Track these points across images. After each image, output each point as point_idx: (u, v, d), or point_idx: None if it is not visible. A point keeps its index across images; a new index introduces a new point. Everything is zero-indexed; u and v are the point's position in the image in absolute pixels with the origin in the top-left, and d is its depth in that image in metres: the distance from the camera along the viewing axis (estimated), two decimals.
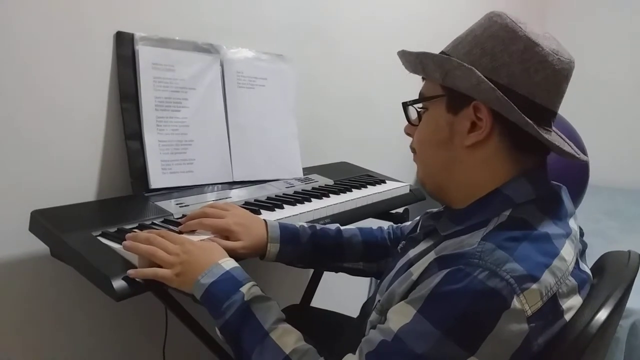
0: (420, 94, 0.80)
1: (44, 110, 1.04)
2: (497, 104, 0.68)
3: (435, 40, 0.80)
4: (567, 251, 0.67)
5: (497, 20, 0.72)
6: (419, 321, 0.63)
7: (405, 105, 0.81)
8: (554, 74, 0.71)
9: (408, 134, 0.84)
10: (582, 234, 0.79)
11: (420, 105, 0.80)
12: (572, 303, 0.66)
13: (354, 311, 1.01)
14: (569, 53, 0.73)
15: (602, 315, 0.63)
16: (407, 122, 0.83)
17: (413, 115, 0.81)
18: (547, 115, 0.73)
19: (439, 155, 0.77)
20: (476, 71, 0.68)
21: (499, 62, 0.70)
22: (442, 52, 0.76)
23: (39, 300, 1.09)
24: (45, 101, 1.04)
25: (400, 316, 0.65)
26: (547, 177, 0.76)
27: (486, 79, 0.67)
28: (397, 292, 0.71)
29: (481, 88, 0.68)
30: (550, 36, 0.72)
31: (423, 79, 0.80)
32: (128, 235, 0.87)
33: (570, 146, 0.79)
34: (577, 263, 0.70)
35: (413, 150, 0.83)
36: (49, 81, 1.04)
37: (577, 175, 1.80)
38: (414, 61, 0.77)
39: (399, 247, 0.94)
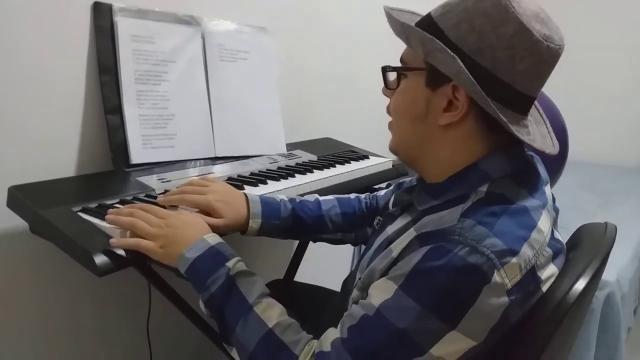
0: (402, 59, 0.78)
1: (21, 84, 1.01)
2: (475, 95, 0.67)
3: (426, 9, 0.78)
4: (544, 222, 0.69)
5: None
6: (400, 297, 0.63)
7: (385, 71, 0.79)
8: (539, 63, 0.69)
9: (385, 95, 0.82)
10: (554, 199, 0.80)
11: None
12: (549, 273, 0.68)
13: (337, 284, 1.02)
14: (561, 35, 0.69)
15: (580, 285, 0.65)
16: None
17: (392, 77, 0.79)
18: (525, 101, 0.72)
19: (414, 129, 0.76)
20: (458, 60, 0.66)
21: (485, 43, 0.67)
22: (429, 16, 0.73)
23: (19, 276, 1.08)
24: (22, 75, 1.01)
25: (381, 292, 0.66)
26: (523, 151, 0.76)
27: (467, 70, 0.65)
28: (378, 268, 0.72)
29: (461, 77, 0.67)
30: (544, 16, 0.69)
31: None
32: (110, 210, 0.86)
33: (549, 130, 0.79)
34: (552, 233, 0.72)
35: (389, 113, 0.82)
36: (25, 54, 1.01)
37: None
38: (398, 29, 0.75)
39: (375, 223, 0.94)
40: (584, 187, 2.62)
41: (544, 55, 0.68)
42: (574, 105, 2.58)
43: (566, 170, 2.02)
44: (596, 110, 3.22)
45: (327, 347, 0.68)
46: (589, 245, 0.75)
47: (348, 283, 0.88)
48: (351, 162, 1.46)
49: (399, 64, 0.78)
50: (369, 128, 2.07)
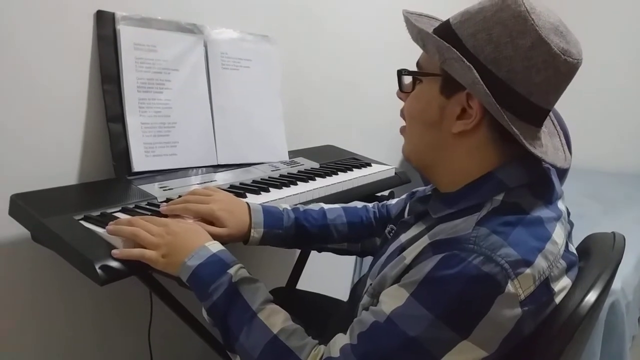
0: (418, 64, 0.77)
1: (23, 92, 1.01)
2: (488, 106, 0.67)
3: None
4: (558, 234, 0.68)
5: (510, 4, 0.67)
6: (412, 305, 0.63)
7: (400, 74, 0.78)
8: (556, 76, 0.68)
9: (400, 98, 0.81)
10: (568, 213, 0.79)
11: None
12: (563, 285, 0.67)
13: (339, 293, 1.01)
14: (579, 49, 0.68)
15: (592, 297, 0.64)
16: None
17: (407, 80, 0.78)
18: (540, 113, 0.71)
19: (427, 136, 0.76)
20: (473, 71, 0.65)
21: (502, 54, 0.66)
22: (448, 23, 0.73)
23: (20, 284, 1.07)
24: (25, 83, 1.01)
25: (393, 299, 0.65)
26: (539, 161, 0.75)
27: (482, 81, 0.65)
28: (389, 275, 0.71)
29: (475, 88, 0.66)
30: (564, 29, 0.68)
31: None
32: (110, 223, 0.85)
33: (562, 143, 0.78)
34: (566, 245, 0.71)
35: (403, 116, 0.81)
36: (27, 62, 1.01)
37: None
38: (415, 35, 0.74)
39: (387, 231, 0.93)
40: (587, 194, 2.61)
41: (561, 69, 0.67)
42: (576, 112, 2.57)
43: (569, 178, 2.01)
44: (599, 117, 3.21)
45: (335, 353, 0.67)
46: (599, 257, 0.74)
47: (358, 289, 0.87)
48: (353, 169, 1.45)
49: (407, 70, 0.77)
50: (371, 135, 2.07)
